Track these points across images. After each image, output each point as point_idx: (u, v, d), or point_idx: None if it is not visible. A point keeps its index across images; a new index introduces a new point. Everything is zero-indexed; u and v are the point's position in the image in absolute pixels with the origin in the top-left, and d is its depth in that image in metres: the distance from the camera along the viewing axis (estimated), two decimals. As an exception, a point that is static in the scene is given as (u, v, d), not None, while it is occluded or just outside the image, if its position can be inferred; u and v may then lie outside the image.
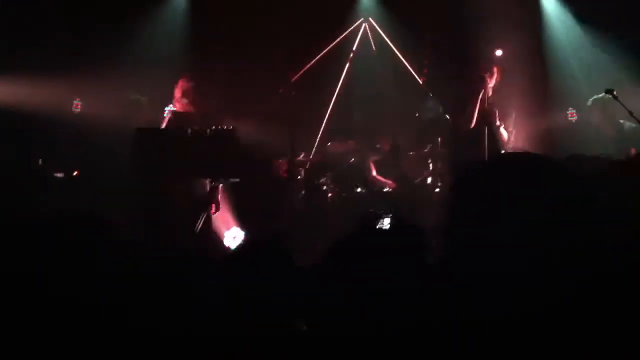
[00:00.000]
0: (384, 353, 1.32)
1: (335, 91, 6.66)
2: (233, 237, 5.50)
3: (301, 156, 6.32)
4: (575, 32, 6.61)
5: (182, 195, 4.90)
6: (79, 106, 6.25)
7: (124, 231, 1.68)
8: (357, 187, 6.17)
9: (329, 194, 6.10)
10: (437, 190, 6.01)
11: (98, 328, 1.43)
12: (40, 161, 5.85)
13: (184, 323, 1.69)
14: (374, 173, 6.39)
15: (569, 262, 1.05)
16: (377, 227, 4.16)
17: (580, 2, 6.50)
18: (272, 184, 6.09)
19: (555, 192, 1.12)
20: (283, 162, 6.21)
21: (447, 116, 5.93)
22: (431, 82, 6.71)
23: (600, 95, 5.21)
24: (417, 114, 6.67)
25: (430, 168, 6.19)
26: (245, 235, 5.35)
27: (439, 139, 6.08)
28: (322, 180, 6.19)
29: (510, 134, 5.65)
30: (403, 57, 6.76)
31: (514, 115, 5.74)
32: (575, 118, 6.28)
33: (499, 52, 6.35)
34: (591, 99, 5.54)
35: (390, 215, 4.61)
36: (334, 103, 6.65)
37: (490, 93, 5.41)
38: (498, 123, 5.48)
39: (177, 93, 5.25)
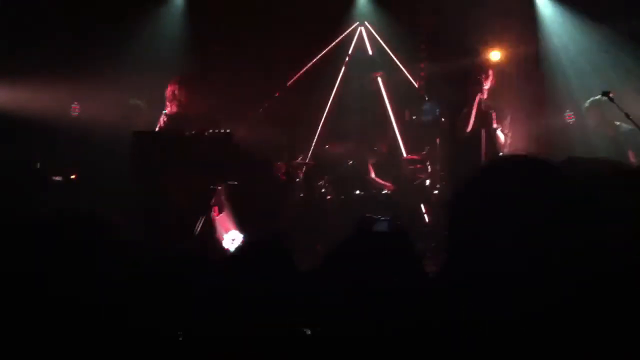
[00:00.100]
0: (384, 353, 1.32)
1: (332, 93, 6.67)
2: (232, 239, 5.50)
3: (299, 158, 6.32)
4: (572, 34, 6.62)
5: (182, 196, 4.89)
6: (77, 109, 6.24)
7: (124, 231, 1.68)
8: (356, 189, 6.18)
9: (328, 196, 6.11)
10: (436, 192, 6.02)
11: (98, 328, 1.43)
12: (38, 165, 5.85)
13: (184, 323, 1.69)
14: (373, 175, 6.40)
15: (569, 262, 1.05)
16: (374, 230, 4.17)
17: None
18: (272, 185, 6.09)
19: (553, 193, 1.12)
20: (282, 164, 6.22)
21: (444, 119, 5.95)
22: (428, 85, 6.73)
23: (597, 97, 5.23)
24: (414, 117, 6.68)
25: (429, 170, 6.21)
26: (244, 237, 5.34)
27: (437, 141, 6.10)
28: (321, 182, 6.20)
29: (506, 137, 5.67)
30: (400, 61, 6.78)
31: (509, 117, 5.76)
32: (572, 120, 6.29)
33: (495, 55, 6.37)
34: (588, 101, 5.56)
35: (388, 219, 4.62)
36: (331, 105, 6.66)
37: (486, 96, 5.43)
38: (495, 125, 5.50)
39: (168, 95, 5.24)
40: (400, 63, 6.79)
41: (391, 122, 6.69)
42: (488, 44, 6.35)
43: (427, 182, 6.20)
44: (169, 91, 5.23)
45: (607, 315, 1.05)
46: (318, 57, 6.69)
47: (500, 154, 5.37)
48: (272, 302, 1.66)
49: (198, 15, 6.97)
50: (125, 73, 6.12)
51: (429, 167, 6.20)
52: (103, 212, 1.72)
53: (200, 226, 4.69)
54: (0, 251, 1.51)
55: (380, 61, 6.88)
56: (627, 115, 4.61)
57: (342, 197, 6.10)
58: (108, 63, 6.24)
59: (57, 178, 5.69)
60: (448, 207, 1.23)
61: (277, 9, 6.93)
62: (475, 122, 5.39)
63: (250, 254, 1.85)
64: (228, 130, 4.80)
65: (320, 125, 6.57)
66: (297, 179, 6.23)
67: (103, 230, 1.58)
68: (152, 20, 6.80)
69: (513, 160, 1.26)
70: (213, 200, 4.90)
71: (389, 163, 6.44)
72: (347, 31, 7.00)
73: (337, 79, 6.71)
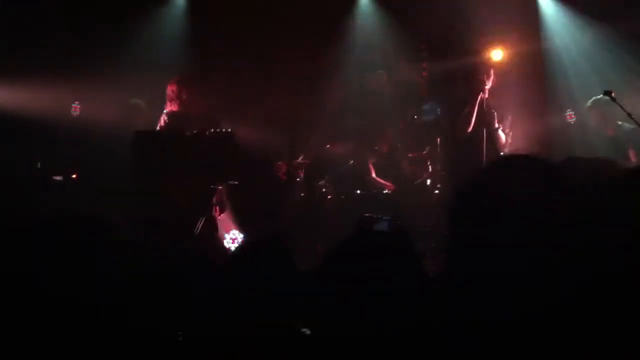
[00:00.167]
0: (384, 353, 1.32)
1: (332, 93, 6.68)
2: (232, 239, 5.50)
3: (300, 158, 6.32)
4: (573, 33, 6.62)
5: (182, 196, 4.89)
6: (78, 109, 6.25)
7: (124, 231, 1.68)
8: (356, 189, 6.18)
9: (328, 196, 6.11)
10: (436, 192, 6.02)
11: (98, 328, 1.43)
12: (38, 164, 5.85)
13: (184, 323, 1.69)
14: (373, 175, 6.40)
15: (569, 262, 1.05)
16: (374, 229, 4.16)
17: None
18: (272, 185, 6.09)
19: (553, 193, 1.12)
20: (282, 164, 6.22)
21: (445, 119, 5.95)
22: (429, 85, 6.73)
23: (599, 96, 5.22)
24: (415, 117, 6.69)
25: (430, 170, 6.21)
26: (244, 237, 5.34)
27: (438, 140, 6.10)
28: (321, 182, 6.20)
29: (507, 136, 5.67)
30: (400, 61, 6.78)
31: (510, 117, 5.75)
32: (573, 120, 6.29)
33: (496, 54, 6.36)
34: (590, 101, 5.55)
35: (388, 218, 4.62)
36: (331, 105, 6.66)
37: (487, 95, 5.43)
38: (496, 125, 5.50)
39: (168, 95, 5.24)
40: (401, 63, 6.79)
41: (391, 122, 6.69)
42: (489, 43, 6.35)
43: (428, 181, 6.20)
44: (169, 90, 5.23)
45: (607, 315, 1.05)
46: (318, 58, 6.69)
47: (501, 153, 5.37)
48: (272, 302, 1.66)
49: (198, 15, 6.97)
50: (125, 73, 6.12)
51: (430, 166, 6.20)
52: (103, 212, 1.72)
53: (200, 226, 4.69)
54: (0, 251, 1.51)
55: (381, 61, 6.88)
56: (629, 115, 4.60)
57: (342, 197, 6.10)
58: (108, 63, 6.24)
59: (58, 178, 5.70)
60: (448, 207, 1.23)
61: (277, 9, 6.93)
62: (476, 121, 5.39)
63: (250, 254, 1.85)
64: (229, 130, 4.80)
65: (323, 124, 6.57)
66: (298, 179, 6.23)
67: (103, 230, 1.58)
68: (152, 20, 6.80)
69: (514, 160, 1.26)
70: (215, 200, 4.90)
71: (389, 163, 6.44)
72: (349, 30, 7.00)
73: (337, 79, 6.71)
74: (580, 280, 1.05)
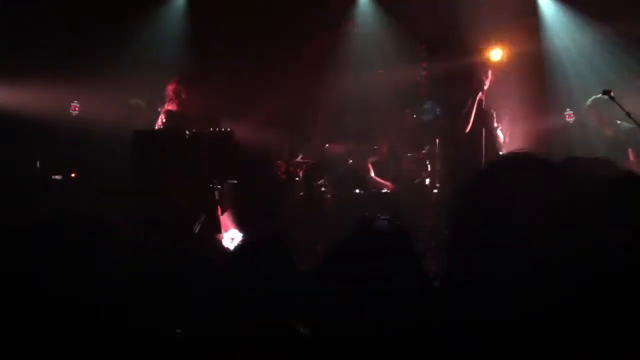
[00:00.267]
0: (384, 353, 1.32)
1: (332, 92, 6.68)
2: (231, 238, 5.50)
3: (299, 158, 6.32)
4: (573, 33, 6.62)
5: (182, 196, 4.89)
6: (77, 109, 6.24)
7: (124, 231, 1.67)
8: (356, 188, 6.17)
9: (328, 196, 6.10)
10: (436, 191, 6.02)
11: (98, 328, 1.43)
12: (38, 164, 5.85)
13: (184, 323, 1.69)
14: (372, 174, 6.40)
15: (569, 262, 1.05)
16: (374, 229, 4.15)
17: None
18: (272, 185, 6.09)
19: (554, 193, 1.12)
20: (282, 163, 6.22)
21: (445, 118, 5.95)
22: (429, 85, 6.73)
23: (598, 96, 5.22)
24: (414, 116, 6.69)
25: (429, 169, 6.21)
26: (244, 236, 5.34)
27: (437, 140, 6.10)
28: (321, 181, 6.20)
29: (505, 136, 5.67)
30: (400, 60, 6.78)
31: (507, 117, 5.76)
32: (572, 119, 6.29)
33: (496, 54, 6.36)
34: (589, 100, 5.55)
35: (388, 218, 4.61)
36: (331, 105, 6.66)
37: (486, 95, 5.44)
38: (495, 125, 5.50)
39: (168, 94, 5.24)
40: (401, 63, 6.78)
41: (391, 122, 6.69)
42: (489, 43, 6.34)
43: (427, 181, 6.20)
44: (169, 90, 5.23)
45: (607, 316, 1.05)
46: (317, 57, 6.69)
47: (500, 153, 5.37)
48: (272, 302, 1.66)
49: (198, 15, 6.97)
50: (125, 73, 6.12)
51: (429, 166, 6.20)
52: (103, 212, 1.72)
53: (199, 226, 4.69)
54: (0, 251, 1.51)
55: (381, 61, 6.88)
56: (628, 114, 4.60)
57: (342, 196, 6.10)
58: (108, 63, 6.24)
59: (57, 177, 5.70)
60: (448, 206, 1.23)
61: (277, 9, 6.93)
62: (475, 121, 5.40)
63: (250, 254, 1.85)
64: (229, 129, 4.79)
65: (322, 124, 6.57)
66: (297, 178, 6.23)
67: (103, 230, 1.58)
68: (152, 20, 6.80)
69: (513, 159, 1.26)
70: (217, 199, 4.90)
71: (389, 163, 6.44)
72: (349, 30, 7.00)
73: (337, 79, 6.71)
74: (580, 280, 1.05)
